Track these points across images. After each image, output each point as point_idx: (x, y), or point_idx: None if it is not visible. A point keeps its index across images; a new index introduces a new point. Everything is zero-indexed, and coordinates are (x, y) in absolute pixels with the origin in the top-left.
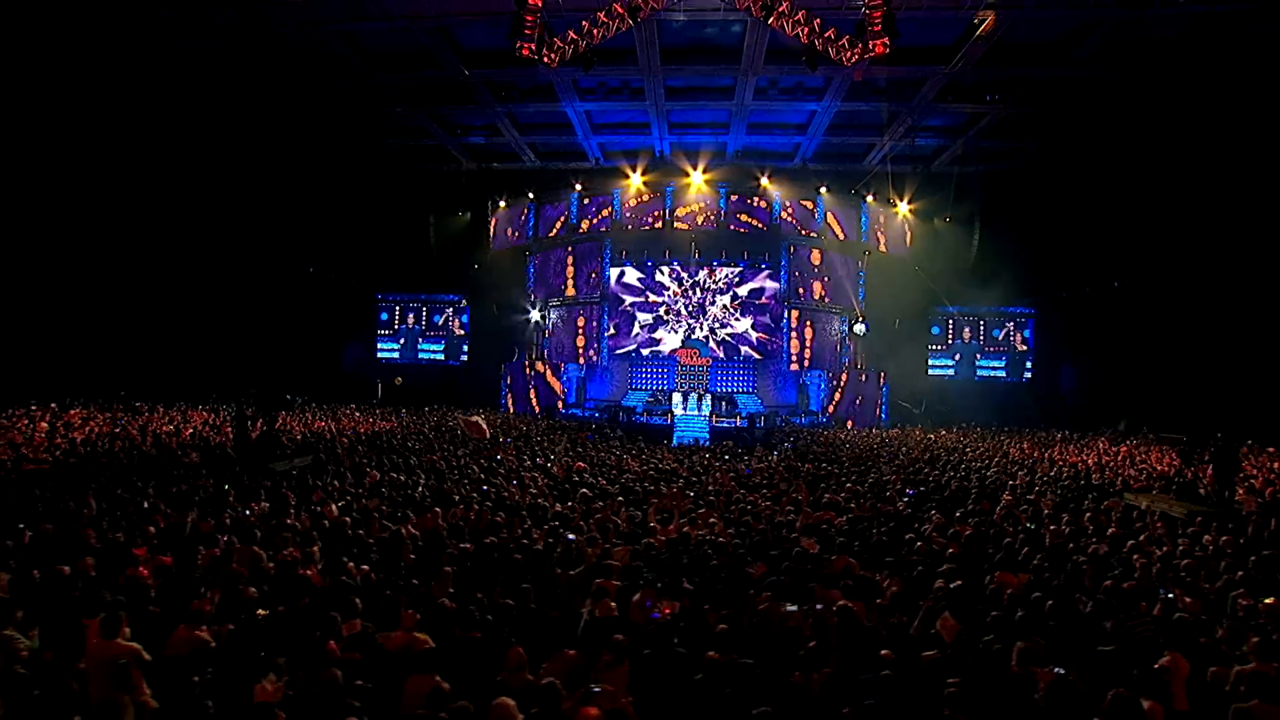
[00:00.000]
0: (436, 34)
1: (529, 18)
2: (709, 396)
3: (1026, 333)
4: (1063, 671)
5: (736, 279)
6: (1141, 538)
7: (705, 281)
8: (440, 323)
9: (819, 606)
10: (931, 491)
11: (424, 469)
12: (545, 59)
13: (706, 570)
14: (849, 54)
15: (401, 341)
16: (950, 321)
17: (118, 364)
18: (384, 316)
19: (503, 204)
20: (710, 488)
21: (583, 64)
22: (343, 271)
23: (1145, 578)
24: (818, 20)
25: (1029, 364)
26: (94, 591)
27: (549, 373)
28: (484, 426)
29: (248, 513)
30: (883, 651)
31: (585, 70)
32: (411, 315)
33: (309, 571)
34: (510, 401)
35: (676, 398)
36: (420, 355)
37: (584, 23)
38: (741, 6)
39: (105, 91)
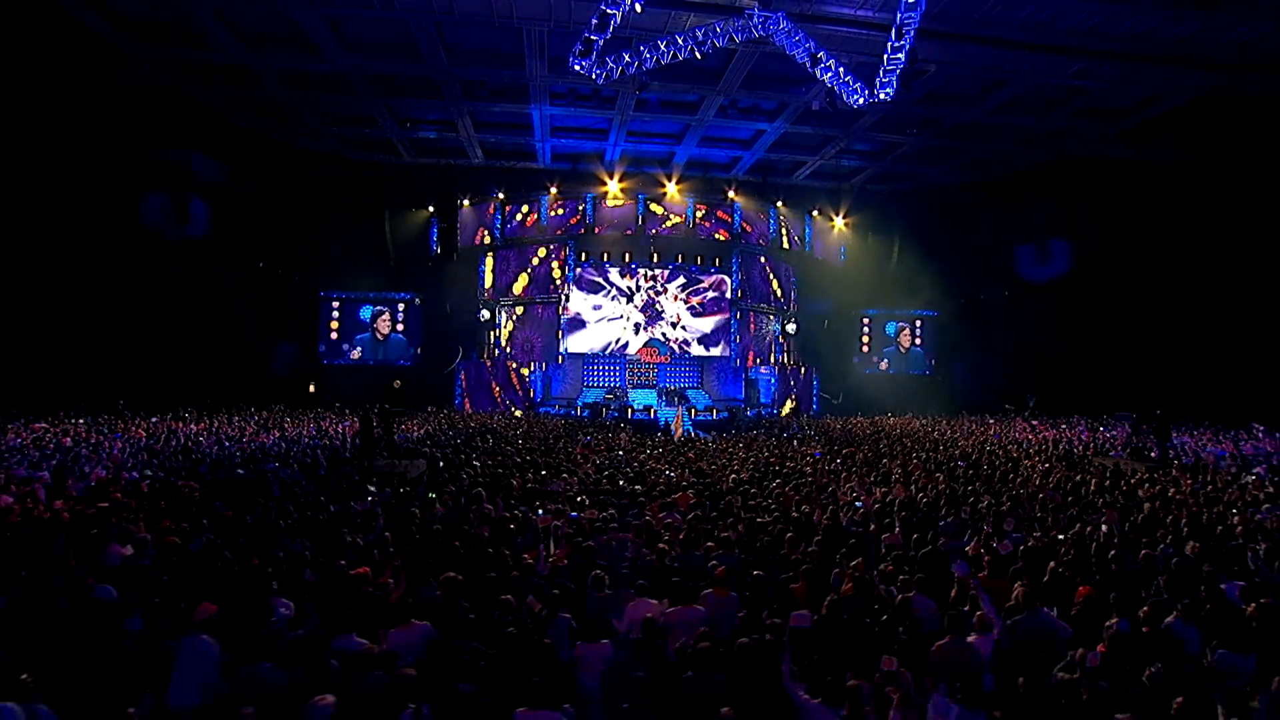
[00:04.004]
0: (433, 28)
1: (593, 38)
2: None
3: (931, 333)
4: None
5: (696, 281)
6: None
7: (666, 283)
8: (392, 322)
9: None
10: (971, 464)
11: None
12: (593, 74)
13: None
14: (857, 98)
15: (341, 339)
16: (870, 322)
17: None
18: (329, 314)
19: (466, 202)
20: (837, 465)
21: (636, 86)
22: (287, 267)
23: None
24: (842, 68)
25: (932, 360)
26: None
27: (513, 372)
28: None
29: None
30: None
31: (639, 91)
32: (360, 314)
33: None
34: (467, 402)
35: (636, 394)
36: (368, 355)
37: (641, 47)
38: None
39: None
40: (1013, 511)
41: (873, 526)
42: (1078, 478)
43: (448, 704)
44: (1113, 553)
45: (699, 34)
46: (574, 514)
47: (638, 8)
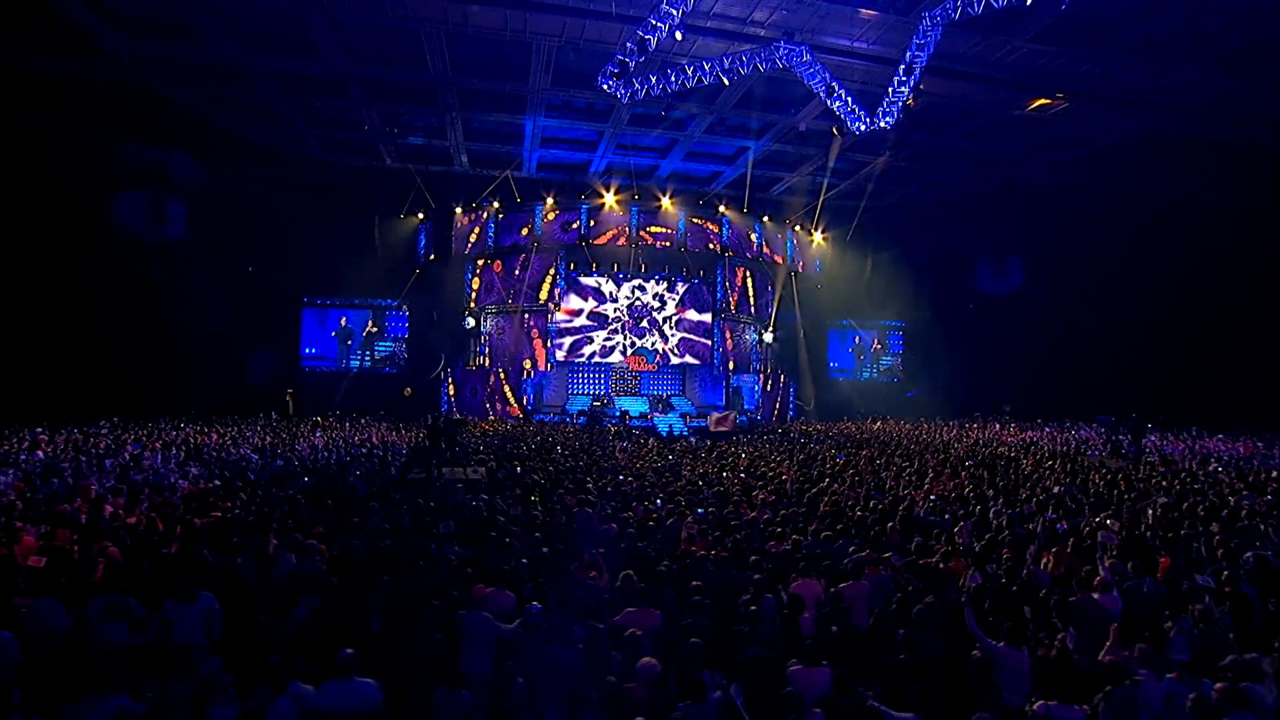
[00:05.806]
0: (442, 39)
1: (627, 60)
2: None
3: (901, 343)
4: None
5: (685, 292)
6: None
7: (659, 294)
8: (378, 330)
9: None
10: (979, 463)
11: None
12: (619, 93)
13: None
14: (859, 125)
15: (319, 346)
16: (845, 333)
17: None
18: (312, 321)
19: (459, 210)
20: (876, 465)
21: (661, 106)
22: (269, 271)
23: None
24: (850, 96)
25: (900, 368)
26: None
27: (504, 380)
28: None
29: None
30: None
31: (664, 113)
32: (344, 321)
33: None
34: (454, 410)
35: (621, 401)
36: (353, 363)
37: (669, 70)
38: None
39: None
40: (1046, 504)
41: (945, 515)
42: (1083, 475)
43: (739, 665)
44: (1171, 533)
45: (726, 61)
46: (700, 511)
47: (677, 35)
